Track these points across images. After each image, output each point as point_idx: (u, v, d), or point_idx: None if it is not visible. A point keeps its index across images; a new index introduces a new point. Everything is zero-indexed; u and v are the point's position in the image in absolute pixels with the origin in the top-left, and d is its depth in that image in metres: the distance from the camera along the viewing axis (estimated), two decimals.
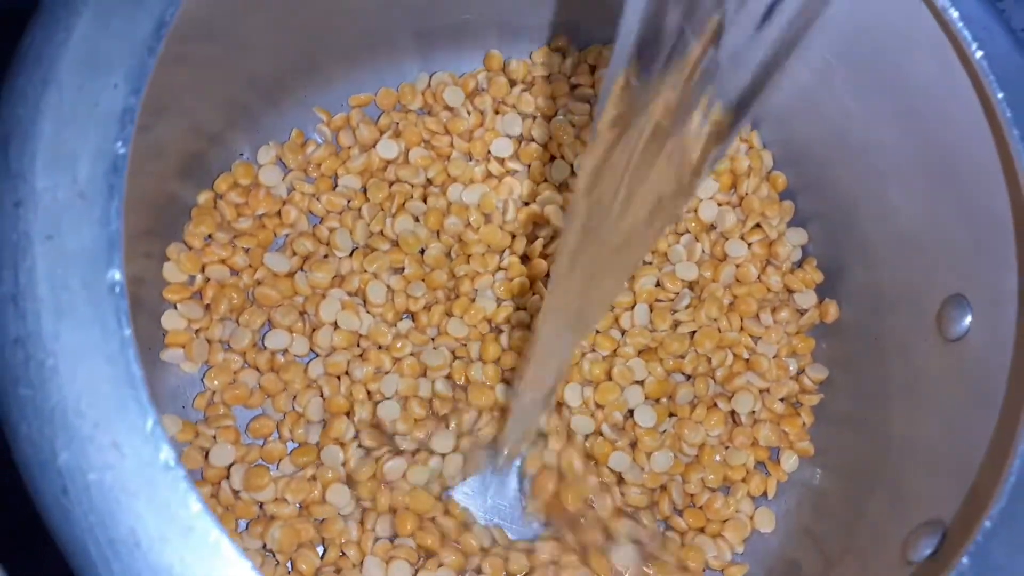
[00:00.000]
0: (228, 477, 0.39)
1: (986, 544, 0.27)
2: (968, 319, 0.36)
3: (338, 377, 0.41)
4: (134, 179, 0.31)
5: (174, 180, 0.40)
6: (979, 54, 0.33)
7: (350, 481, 0.39)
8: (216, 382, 0.40)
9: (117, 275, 0.25)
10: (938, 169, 0.37)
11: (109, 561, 0.23)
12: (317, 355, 0.41)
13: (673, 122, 0.24)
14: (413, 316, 0.42)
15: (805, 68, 0.41)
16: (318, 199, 0.43)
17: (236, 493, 0.38)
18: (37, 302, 0.24)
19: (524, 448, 0.41)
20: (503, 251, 0.43)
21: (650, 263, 0.44)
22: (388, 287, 0.42)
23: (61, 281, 0.24)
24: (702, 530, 0.41)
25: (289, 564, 0.38)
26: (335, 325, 0.41)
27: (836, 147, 0.42)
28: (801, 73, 0.41)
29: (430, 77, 0.45)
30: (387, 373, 0.41)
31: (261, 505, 0.39)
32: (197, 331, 0.40)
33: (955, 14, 0.33)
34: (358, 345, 0.41)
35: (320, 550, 0.39)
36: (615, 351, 0.42)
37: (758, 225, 0.44)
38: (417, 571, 0.38)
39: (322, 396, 0.40)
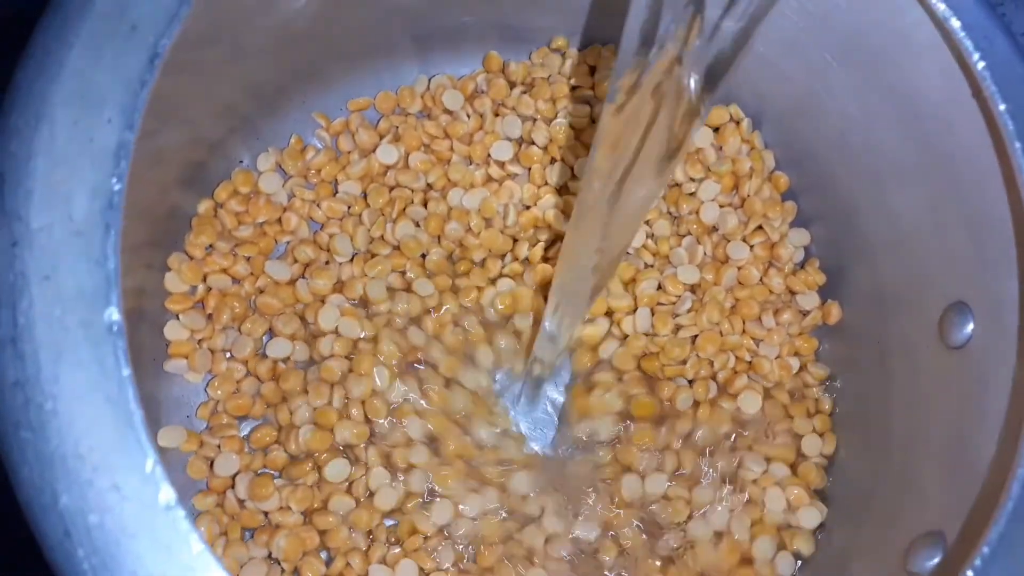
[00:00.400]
0: (233, 487, 0.39)
1: (984, 569, 0.28)
2: (970, 327, 0.36)
3: (331, 385, 0.40)
4: (135, 190, 0.31)
5: (175, 190, 0.40)
6: (981, 64, 0.33)
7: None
8: (219, 392, 0.40)
9: (115, 314, 0.25)
10: (939, 174, 0.37)
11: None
12: (316, 362, 0.41)
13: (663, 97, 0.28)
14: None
15: (806, 68, 0.40)
16: (318, 205, 0.43)
17: (241, 503, 0.39)
18: (35, 344, 0.24)
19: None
20: (504, 255, 0.43)
21: (651, 266, 0.43)
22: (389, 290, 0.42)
23: (59, 322, 0.24)
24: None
25: (296, 572, 0.38)
26: (336, 332, 0.41)
27: (838, 148, 0.42)
28: (802, 73, 0.41)
29: (429, 80, 0.45)
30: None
31: (266, 514, 0.39)
32: (200, 341, 0.40)
33: (957, 24, 0.33)
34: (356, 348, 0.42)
35: (326, 557, 0.39)
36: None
37: (760, 227, 0.44)
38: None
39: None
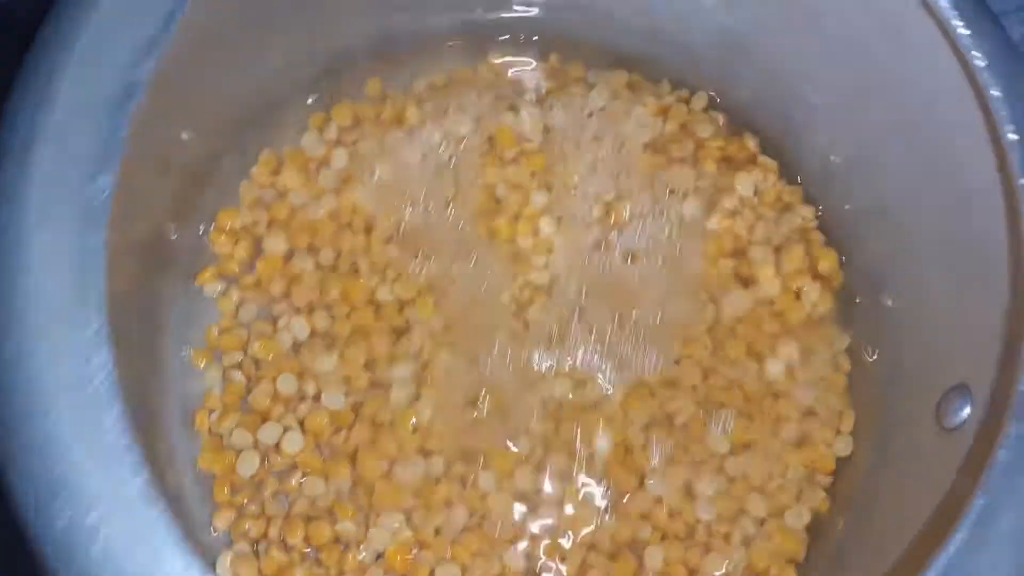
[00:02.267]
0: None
1: None
2: (967, 411, 0.35)
3: None
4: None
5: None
6: (1013, 137, 0.32)
7: None
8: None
9: (107, 185, 0.27)
10: (967, 249, 0.36)
11: (14, 433, 0.26)
12: None
13: None
14: None
15: (858, 136, 0.41)
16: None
17: None
18: (23, 201, 0.27)
19: None
20: None
21: None
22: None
23: (55, 179, 0.27)
24: None
25: None
26: None
27: (881, 215, 0.41)
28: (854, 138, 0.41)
29: None
30: None
31: None
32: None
33: (996, 93, 0.32)
34: None
35: None
36: None
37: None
38: None
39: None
